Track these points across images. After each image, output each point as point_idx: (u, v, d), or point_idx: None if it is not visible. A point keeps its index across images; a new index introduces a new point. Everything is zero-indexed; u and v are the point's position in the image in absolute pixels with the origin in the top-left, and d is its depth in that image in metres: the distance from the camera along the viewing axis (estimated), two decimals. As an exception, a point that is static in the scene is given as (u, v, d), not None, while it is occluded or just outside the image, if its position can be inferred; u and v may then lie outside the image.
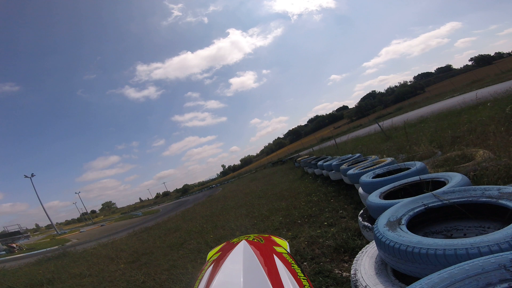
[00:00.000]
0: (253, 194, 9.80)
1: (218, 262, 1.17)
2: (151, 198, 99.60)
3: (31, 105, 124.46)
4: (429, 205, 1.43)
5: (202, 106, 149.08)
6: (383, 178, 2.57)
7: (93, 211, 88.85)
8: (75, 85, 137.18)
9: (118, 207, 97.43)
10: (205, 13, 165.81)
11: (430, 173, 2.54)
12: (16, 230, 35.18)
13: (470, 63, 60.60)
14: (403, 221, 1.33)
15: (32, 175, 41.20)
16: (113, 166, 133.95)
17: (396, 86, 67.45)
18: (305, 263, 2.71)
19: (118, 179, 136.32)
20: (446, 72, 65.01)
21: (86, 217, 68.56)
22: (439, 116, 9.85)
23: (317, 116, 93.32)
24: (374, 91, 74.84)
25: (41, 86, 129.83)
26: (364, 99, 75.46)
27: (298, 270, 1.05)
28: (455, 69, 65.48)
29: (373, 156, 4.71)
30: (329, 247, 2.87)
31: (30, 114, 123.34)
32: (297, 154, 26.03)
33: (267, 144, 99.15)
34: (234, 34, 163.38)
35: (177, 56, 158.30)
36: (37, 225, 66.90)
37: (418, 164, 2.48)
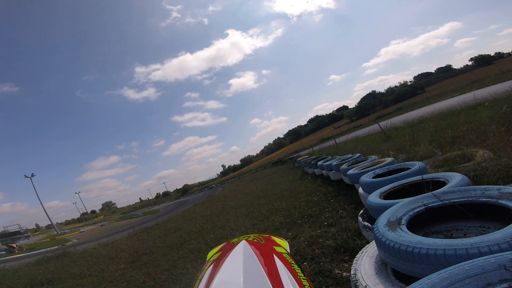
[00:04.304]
0: (253, 194, 9.80)
1: (218, 262, 1.17)
2: (151, 198, 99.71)
3: (31, 106, 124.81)
4: (429, 205, 1.43)
5: (202, 107, 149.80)
6: (383, 178, 2.57)
7: (93, 211, 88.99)
8: (74, 85, 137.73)
9: (118, 207, 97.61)
10: (204, 14, 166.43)
11: (430, 173, 2.54)
12: (16, 230, 35.19)
13: (470, 63, 60.68)
14: (403, 221, 1.33)
15: (32, 175, 41.25)
16: (113, 166, 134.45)
17: (396, 86, 67.48)
18: (305, 263, 2.71)
19: (118, 179, 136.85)
20: (446, 72, 65.05)
21: (86, 217, 68.58)
22: (439, 116, 9.85)
23: (317, 116, 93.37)
24: (374, 91, 74.99)
25: (40, 86, 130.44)
26: (364, 99, 75.48)
27: (298, 270, 1.05)
28: (455, 69, 65.53)
29: (373, 156, 4.70)
30: (329, 247, 2.87)
31: (30, 114, 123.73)
32: (297, 154, 26.01)
33: (267, 144, 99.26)
34: (234, 35, 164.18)
35: (176, 57, 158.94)
36: (37, 225, 67.01)
37: (418, 164, 2.48)
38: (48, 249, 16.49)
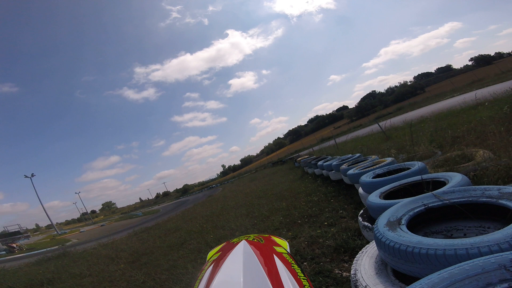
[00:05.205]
0: (253, 194, 9.80)
1: (218, 262, 1.17)
2: (151, 198, 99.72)
3: (31, 106, 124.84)
4: (429, 205, 1.43)
5: (202, 107, 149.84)
6: (383, 178, 2.57)
7: (93, 211, 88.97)
8: (74, 86, 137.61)
9: (118, 207, 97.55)
10: (204, 14, 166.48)
11: (430, 173, 2.54)
12: (16, 230, 35.29)
13: (470, 63, 60.64)
14: (403, 221, 1.33)
15: (32, 175, 41.31)
16: (113, 166, 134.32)
17: (396, 86, 67.40)
18: (305, 263, 2.71)
19: (118, 179, 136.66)
20: (446, 72, 64.99)
21: (86, 217, 68.62)
22: (439, 116, 9.85)
23: (317, 116, 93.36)
24: (374, 91, 74.90)
25: (40, 86, 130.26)
26: (364, 99, 75.44)
27: (298, 270, 1.05)
28: (455, 69, 65.45)
29: (373, 156, 4.70)
30: (329, 247, 2.87)
31: (29, 114, 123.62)
32: (297, 154, 26.03)
33: (267, 144, 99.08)
34: (234, 35, 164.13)
35: (176, 58, 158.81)
36: (37, 225, 66.98)
37: (418, 164, 2.48)
38: (48, 249, 16.49)
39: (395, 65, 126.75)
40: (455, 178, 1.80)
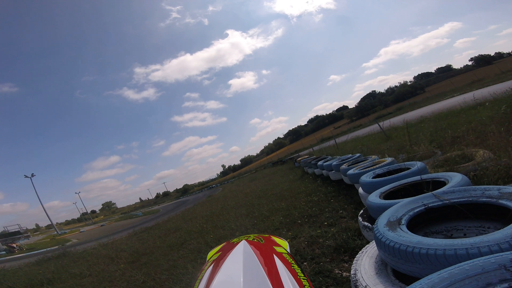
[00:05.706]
0: (253, 194, 9.80)
1: (218, 262, 1.17)
2: (151, 198, 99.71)
3: (31, 106, 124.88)
4: (429, 205, 1.43)
5: (202, 107, 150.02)
6: (383, 178, 2.57)
7: (93, 211, 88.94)
8: (74, 86, 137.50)
9: (118, 207, 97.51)
10: (204, 14, 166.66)
11: (430, 173, 2.54)
12: (16, 230, 35.26)
13: (470, 63, 60.67)
14: (403, 221, 1.33)
15: (32, 175, 41.33)
16: (113, 166, 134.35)
17: (396, 86, 67.44)
18: (305, 263, 2.71)
19: (118, 179, 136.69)
20: (446, 72, 65.00)
21: (86, 217, 68.64)
22: (439, 116, 9.85)
23: (317, 116, 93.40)
24: (374, 91, 74.96)
25: (40, 87, 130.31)
26: (364, 99, 75.50)
27: (298, 270, 1.05)
28: (455, 69, 65.48)
29: (373, 156, 4.71)
30: (329, 247, 2.87)
31: (30, 114, 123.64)
32: (297, 154, 26.04)
33: (267, 144, 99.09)
34: (234, 35, 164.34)
35: (176, 58, 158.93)
36: (37, 225, 66.95)
37: (418, 164, 2.48)
38: (48, 249, 16.49)
39: (395, 65, 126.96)
40: (455, 178, 1.80)
